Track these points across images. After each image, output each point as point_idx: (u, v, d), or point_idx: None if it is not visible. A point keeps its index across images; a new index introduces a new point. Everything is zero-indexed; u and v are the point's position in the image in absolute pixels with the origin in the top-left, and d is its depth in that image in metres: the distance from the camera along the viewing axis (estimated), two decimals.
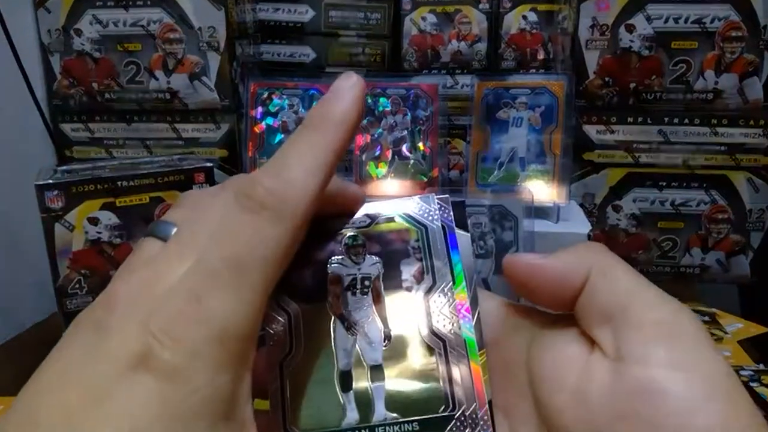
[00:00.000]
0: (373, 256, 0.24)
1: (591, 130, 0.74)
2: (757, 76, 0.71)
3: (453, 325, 0.23)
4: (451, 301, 0.23)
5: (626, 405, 0.19)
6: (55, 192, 0.57)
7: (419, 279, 0.23)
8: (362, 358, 0.23)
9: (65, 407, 0.16)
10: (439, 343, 0.22)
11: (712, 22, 0.70)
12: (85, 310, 0.19)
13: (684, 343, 0.19)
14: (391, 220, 0.24)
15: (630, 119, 0.73)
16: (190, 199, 0.22)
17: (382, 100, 0.72)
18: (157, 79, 0.75)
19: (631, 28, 0.71)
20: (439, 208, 0.24)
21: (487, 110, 0.71)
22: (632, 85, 0.72)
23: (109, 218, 0.59)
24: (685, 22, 0.70)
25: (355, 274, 0.24)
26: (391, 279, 0.24)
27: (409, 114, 0.72)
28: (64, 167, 0.61)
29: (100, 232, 0.59)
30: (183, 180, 0.59)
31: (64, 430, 0.16)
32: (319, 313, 0.23)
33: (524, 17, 0.77)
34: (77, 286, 0.58)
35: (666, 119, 0.73)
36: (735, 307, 0.76)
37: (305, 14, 0.80)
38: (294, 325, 0.23)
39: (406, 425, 0.22)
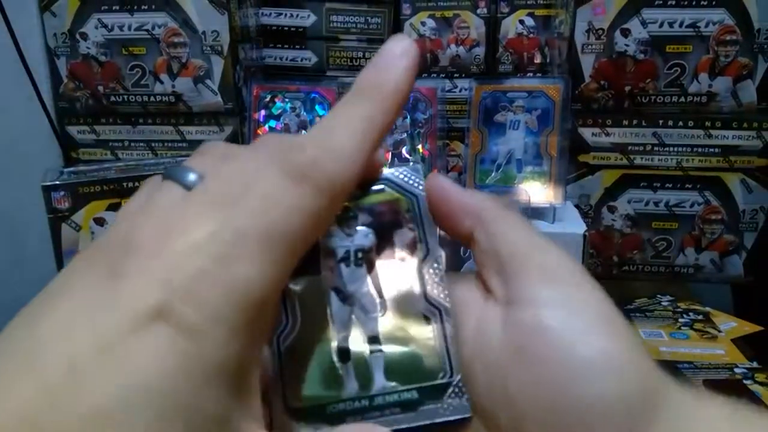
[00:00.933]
0: (365, 227, 0.24)
1: (586, 133, 0.75)
2: (750, 79, 0.72)
3: (447, 293, 0.23)
4: (444, 269, 0.23)
5: (516, 345, 0.20)
6: (62, 193, 0.59)
7: (412, 249, 0.23)
8: (359, 330, 0.22)
9: (71, 358, 0.15)
10: (434, 312, 0.23)
11: (706, 26, 0.71)
12: (94, 248, 0.18)
13: (566, 284, 0.20)
14: (381, 191, 0.24)
15: (625, 122, 0.74)
16: (217, 149, 0.20)
17: None
18: (161, 82, 0.76)
19: (626, 33, 0.72)
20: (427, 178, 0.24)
21: (485, 113, 0.72)
22: (627, 89, 0.73)
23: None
24: (680, 26, 0.71)
25: (349, 246, 0.23)
26: (385, 250, 0.23)
27: (409, 117, 0.74)
28: (71, 168, 0.63)
29: None
30: None
31: (68, 384, 0.15)
32: (314, 286, 0.23)
33: (521, 22, 0.78)
34: None
35: (660, 122, 0.74)
36: (728, 306, 0.77)
37: (307, 19, 0.81)
38: (288, 299, 0.22)
39: (405, 393, 0.22)
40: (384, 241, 0.23)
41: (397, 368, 0.22)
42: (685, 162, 0.74)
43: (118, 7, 0.75)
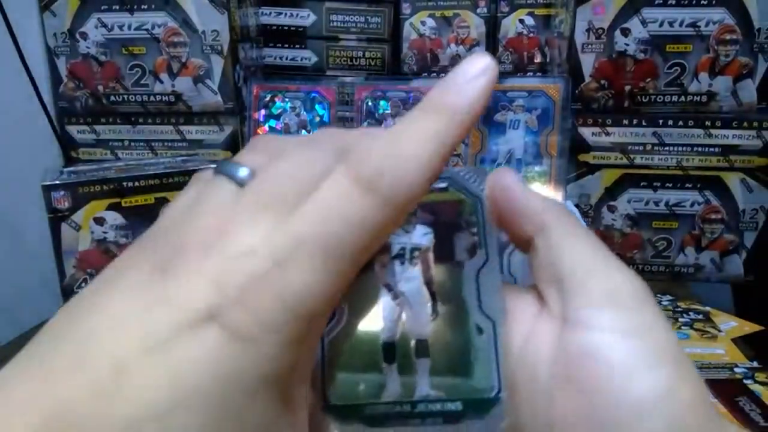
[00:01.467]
0: (425, 226, 0.22)
1: (587, 132, 0.75)
2: (750, 78, 0.71)
3: (503, 306, 0.22)
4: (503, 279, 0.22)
5: (568, 368, 0.19)
6: (62, 192, 0.59)
7: (471, 254, 0.22)
8: (407, 331, 0.21)
9: (119, 357, 0.15)
10: (488, 323, 0.21)
11: (706, 25, 0.71)
12: (143, 242, 0.17)
13: (630, 311, 0.19)
14: (444, 190, 0.23)
15: (625, 121, 0.74)
16: (269, 144, 0.19)
17: (382, 103, 0.73)
18: (161, 82, 0.76)
19: (626, 32, 0.72)
20: None
21: (485, 113, 0.72)
22: (627, 88, 0.73)
23: (115, 218, 0.60)
24: (680, 25, 0.71)
25: (405, 244, 0.22)
26: (442, 251, 0.22)
27: None
28: (71, 168, 0.63)
29: (106, 232, 0.60)
30: (187, 181, 0.61)
31: (116, 384, 0.14)
32: (364, 281, 0.22)
33: (521, 21, 0.78)
34: (83, 285, 0.60)
35: (660, 121, 0.74)
36: (728, 305, 0.77)
37: (307, 18, 0.81)
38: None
39: (449, 404, 0.21)
40: (442, 242, 0.22)
41: (443, 377, 0.21)
42: (685, 161, 0.74)
43: (117, 7, 0.75)
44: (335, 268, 0.16)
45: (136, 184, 0.60)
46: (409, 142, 0.18)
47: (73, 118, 0.79)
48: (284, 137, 0.20)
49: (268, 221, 0.16)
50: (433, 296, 0.22)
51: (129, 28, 0.75)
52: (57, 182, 0.59)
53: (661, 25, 0.71)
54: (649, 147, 0.74)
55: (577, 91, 0.74)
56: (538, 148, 0.70)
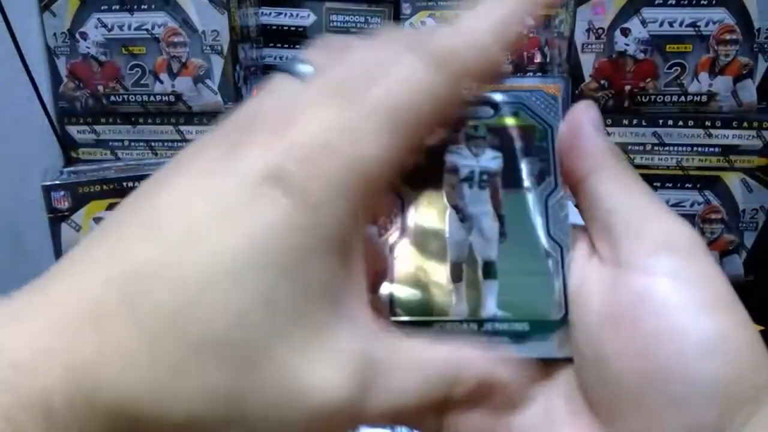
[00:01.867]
0: (494, 150, 0.22)
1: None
2: (750, 78, 0.72)
3: (570, 232, 0.21)
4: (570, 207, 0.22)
5: (621, 309, 0.19)
6: (62, 193, 0.59)
7: (540, 180, 0.22)
8: (475, 253, 0.21)
9: (188, 218, 0.16)
10: (556, 248, 0.21)
11: (706, 25, 0.71)
12: (211, 134, 0.18)
13: (683, 256, 0.19)
14: (516, 114, 0.23)
15: (625, 121, 0.74)
16: (333, 41, 0.20)
17: None
18: (161, 82, 0.76)
19: (626, 32, 0.72)
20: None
21: None
22: (627, 88, 0.73)
23: None
24: (680, 25, 0.71)
25: (474, 167, 0.22)
26: (511, 177, 0.22)
27: None
28: (71, 168, 0.63)
29: None
30: None
31: (186, 243, 0.16)
32: (434, 201, 0.22)
33: None
34: None
35: (660, 121, 0.74)
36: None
37: (307, 19, 0.81)
38: (407, 211, 0.22)
39: (516, 324, 0.21)
40: (511, 167, 0.22)
41: (510, 298, 0.21)
42: (685, 162, 0.74)
43: (117, 7, 0.75)
44: (401, 138, 0.17)
45: (136, 184, 0.59)
46: (476, 23, 0.19)
47: (73, 118, 0.79)
48: (349, 37, 0.20)
49: (338, 97, 0.17)
50: (501, 219, 0.22)
51: (129, 28, 0.75)
52: (57, 182, 0.59)
53: (661, 25, 0.72)
54: (649, 147, 0.74)
55: (577, 91, 0.74)
56: None
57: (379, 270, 0.21)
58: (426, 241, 0.22)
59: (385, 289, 0.21)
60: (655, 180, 0.75)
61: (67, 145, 0.79)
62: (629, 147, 0.75)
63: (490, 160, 0.22)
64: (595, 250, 0.21)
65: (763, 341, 0.19)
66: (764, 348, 0.19)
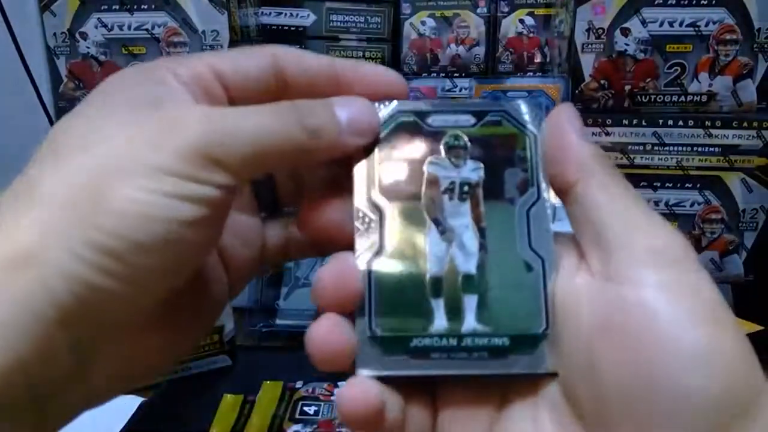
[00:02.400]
0: (476, 161, 0.22)
1: (587, 132, 0.75)
2: (750, 78, 0.71)
3: (553, 244, 0.21)
4: (553, 218, 0.22)
5: (612, 321, 0.19)
6: None
7: (522, 191, 0.22)
8: (455, 266, 0.21)
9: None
10: (538, 261, 0.21)
11: (706, 25, 0.71)
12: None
13: (675, 268, 0.19)
14: (497, 123, 0.22)
15: (625, 121, 0.74)
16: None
17: None
18: None
19: (626, 32, 0.72)
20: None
21: None
22: (627, 88, 0.73)
23: None
24: (680, 25, 0.71)
25: (455, 178, 0.22)
26: (493, 187, 0.22)
27: None
28: None
29: None
30: None
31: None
32: (413, 214, 0.21)
33: (521, 21, 0.78)
34: None
35: (660, 121, 0.74)
36: (728, 305, 0.77)
37: (307, 18, 0.81)
38: (386, 225, 0.21)
39: (496, 339, 0.20)
40: (493, 177, 0.22)
41: (490, 312, 0.21)
42: (685, 161, 0.74)
43: (117, 7, 0.75)
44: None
45: None
46: (246, 123, 0.20)
47: None
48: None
49: None
50: (482, 232, 0.22)
51: (129, 28, 0.75)
52: None
53: (661, 25, 0.72)
54: (649, 147, 0.74)
55: (577, 91, 0.74)
56: None
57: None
58: (405, 256, 0.21)
59: (365, 304, 0.21)
60: (655, 180, 0.75)
61: None
62: (629, 147, 0.75)
63: (471, 171, 0.22)
64: (584, 259, 0.21)
65: (755, 351, 0.19)
66: (756, 360, 0.18)
